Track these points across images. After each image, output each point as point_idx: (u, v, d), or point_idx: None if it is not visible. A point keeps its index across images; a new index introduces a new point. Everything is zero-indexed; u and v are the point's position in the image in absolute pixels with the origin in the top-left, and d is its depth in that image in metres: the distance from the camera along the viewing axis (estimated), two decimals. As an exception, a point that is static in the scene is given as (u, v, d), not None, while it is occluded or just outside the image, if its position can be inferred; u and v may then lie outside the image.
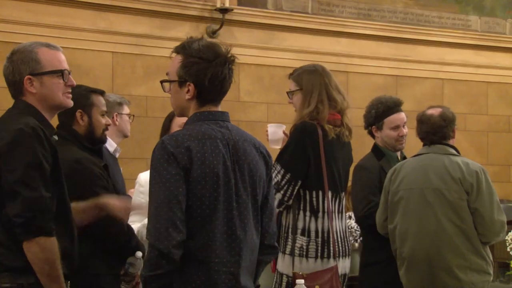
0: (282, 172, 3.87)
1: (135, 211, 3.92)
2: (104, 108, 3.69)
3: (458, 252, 4.08)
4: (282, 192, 3.86)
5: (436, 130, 4.24)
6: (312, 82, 3.97)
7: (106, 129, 3.73)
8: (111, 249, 3.47)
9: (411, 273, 4.18)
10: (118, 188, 3.77)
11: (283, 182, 3.86)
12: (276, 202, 3.83)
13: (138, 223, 3.87)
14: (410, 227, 4.18)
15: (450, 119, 4.27)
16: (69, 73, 3.01)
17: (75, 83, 3.05)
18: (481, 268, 4.10)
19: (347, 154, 4.09)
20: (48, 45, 3.00)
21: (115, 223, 3.45)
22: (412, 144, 4.58)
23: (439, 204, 4.11)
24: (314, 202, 3.89)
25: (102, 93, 3.71)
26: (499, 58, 9.65)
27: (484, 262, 4.12)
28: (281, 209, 3.91)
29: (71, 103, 3.05)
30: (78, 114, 3.54)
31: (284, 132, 4.06)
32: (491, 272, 4.17)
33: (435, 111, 4.30)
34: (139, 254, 3.50)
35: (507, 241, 4.96)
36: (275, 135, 4.06)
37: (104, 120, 3.66)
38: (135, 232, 3.79)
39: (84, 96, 3.58)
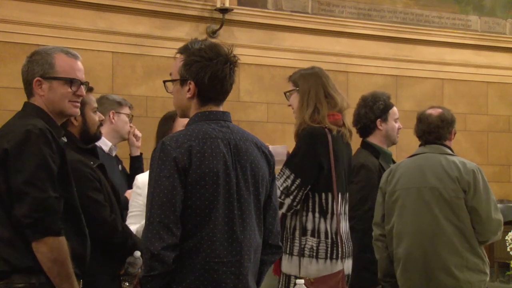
0: (292, 177, 3.84)
1: (134, 213, 3.91)
2: (95, 105, 3.67)
3: (455, 251, 4.07)
4: (291, 197, 3.83)
5: (432, 130, 4.25)
6: (309, 82, 3.97)
7: (101, 125, 3.71)
8: (106, 249, 3.46)
9: (407, 273, 4.17)
10: (116, 188, 3.75)
11: (293, 187, 3.83)
12: (285, 208, 3.82)
13: (136, 224, 3.85)
14: (406, 226, 4.17)
15: (448, 120, 4.27)
16: (82, 84, 3.04)
17: (84, 93, 3.08)
18: (478, 268, 4.10)
19: (349, 154, 4.09)
20: (67, 52, 3.05)
21: (109, 224, 3.44)
22: (412, 144, 4.58)
23: (436, 203, 4.11)
24: (324, 204, 3.87)
25: (91, 90, 3.71)
26: (499, 58, 9.65)
27: (481, 262, 4.12)
28: (289, 213, 3.89)
29: (77, 112, 3.09)
30: None
31: (288, 153, 4.05)
32: (488, 272, 4.16)
33: (434, 111, 4.30)
34: (137, 253, 3.49)
35: (507, 241, 4.96)
36: (279, 155, 4.03)
37: (97, 117, 3.66)
38: (135, 232, 3.77)
39: None
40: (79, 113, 3.13)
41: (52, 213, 2.76)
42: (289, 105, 4.08)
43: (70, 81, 3.00)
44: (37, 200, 2.74)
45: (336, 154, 3.89)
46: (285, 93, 4.09)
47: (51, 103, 2.98)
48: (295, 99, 4.01)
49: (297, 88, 3.99)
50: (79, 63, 3.06)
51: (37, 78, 2.97)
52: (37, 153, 2.78)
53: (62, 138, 2.99)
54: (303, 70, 4.09)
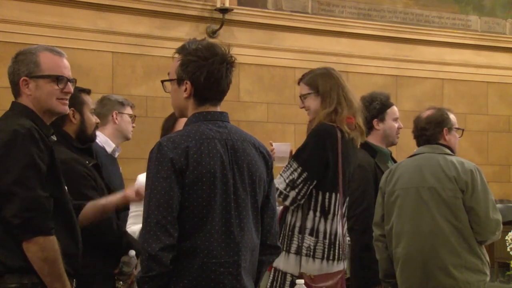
0: (299, 170, 3.81)
1: (135, 213, 3.91)
2: (93, 106, 3.70)
3: (453, 251, 4.07)
4: (296, 190, 3.80)
5: (419, 133, 4.29)
6: (329, 84, 3.90)
7: (97, 127, 3.72)
8: (101, 248, 3.46)
9: (406, 272, 4.17)
10: (115, 189, 3.75)
11: (299, 181, 3.81)
12: (289, 200, 3.80)
13: (137, 224, 3.85)
14: (405, 226, 4.17)
15: (435, 120, 4.27)
16: (69, 80, 3.03)
17: (72, 90, 3.07)
18: (476, 268, 4.10)
19: (356, 159, 4.07)
20: (52, 50, 3.03)
21: (103, 223, 3.44)
22: (411, 144, 4.59)
23: (434, 203, 4.11)
24: (326, 204, 3.86)
25: (89, 92, 3.72)
26: (499, 58, 9.67)
27: (479, 262, 4.11)
28: (293, 207, 3.88)
29: (65, 109, 3.06)
30: (70, 112, 3.52)
31: (291, 151, 4.04)
32: (488, 272, 4.15)
33: (424, 113, 4.33)
34: (132, 252, 3.49)
35: (507, 241, 4.96)
36: (282, 153, 4.02)
37: (94, 119, 3.67)
38: (135, 234, 3.77)
39: (74, 95, 3.56)
40: (68, 111, 3.10)
41: (42, 213, 2.75)
42: (302, 107, 3.99)
43: (57, 79, 2.98)
44: (26, 199, 2.73)
45: (344, 156, 3.87)
46: (300, 97, 4.01)
47: (39, 101, 2.97)
48: (313, 101, 3.93)
49: (314, 91, 3.90)
50: (65, 60, 3.05)
51: (23, 78, 2.96)
52: (25, 153, 2.77)
53: (52, 136, 2.98)
54: (317, 70, 4.01)
